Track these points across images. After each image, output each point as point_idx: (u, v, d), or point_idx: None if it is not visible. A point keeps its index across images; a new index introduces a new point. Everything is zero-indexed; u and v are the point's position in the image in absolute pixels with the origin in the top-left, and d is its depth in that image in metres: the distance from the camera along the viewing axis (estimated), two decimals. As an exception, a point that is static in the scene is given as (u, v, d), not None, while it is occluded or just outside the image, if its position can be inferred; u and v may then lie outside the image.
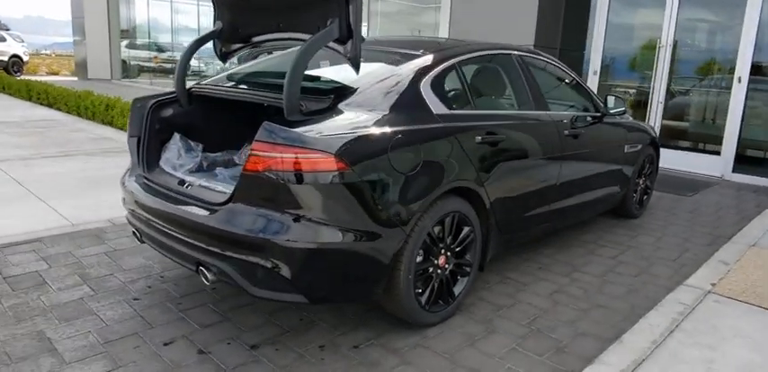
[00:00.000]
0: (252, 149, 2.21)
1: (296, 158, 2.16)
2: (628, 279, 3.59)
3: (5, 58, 19.87)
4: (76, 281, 3.14)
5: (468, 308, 3.02)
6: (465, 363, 2.50)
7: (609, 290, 3.39)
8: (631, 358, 2.63)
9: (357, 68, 2.51)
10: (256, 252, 2.25)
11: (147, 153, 2.91)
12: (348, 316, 2.86)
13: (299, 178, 2.18)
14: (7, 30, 21.65)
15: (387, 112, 2.52)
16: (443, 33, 8.13)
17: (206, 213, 2.37)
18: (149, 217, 2.69)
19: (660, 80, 7.01)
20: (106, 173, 5.62)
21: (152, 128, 2.93)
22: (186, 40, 17.32)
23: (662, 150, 5.13)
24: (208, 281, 2.42)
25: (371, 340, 2.66)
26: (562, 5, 7.54)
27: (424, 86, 2.70)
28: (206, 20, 15.70)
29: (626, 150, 4.33)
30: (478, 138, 2.85)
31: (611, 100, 4.07)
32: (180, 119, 3.03)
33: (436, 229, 2.66)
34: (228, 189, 2.52)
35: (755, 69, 6.45)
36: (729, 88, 6.57)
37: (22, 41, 21.63)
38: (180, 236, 2.50)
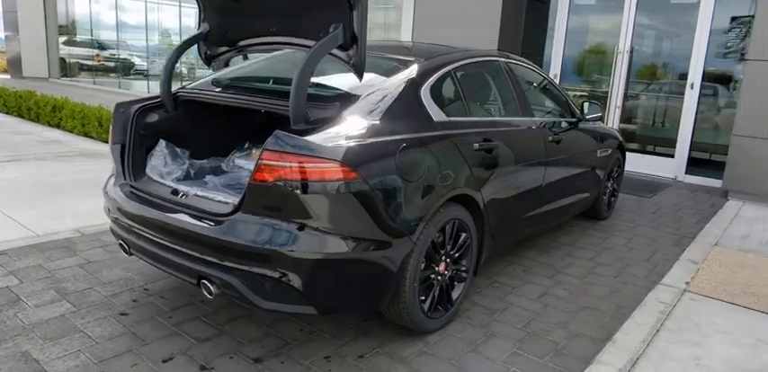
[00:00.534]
0: (262, 158, 2.14)
1: (309, 168, 2.11)
2: (608, 279, 3.70)
3: None
4: (54, 297, 2.97)
5: (465, 313, 3.04)
6: (471, 369, 2.52)
7: (593, 291, 3.49)
8: (626, 357, 2.72)
9: (361, 75, 2.48)
10: (266, 264, 2.19)
11: (133, 160, 2.78)
12: (347, 326, 2.82)
13: (312, 188, 2.13)
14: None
15: (391, 120, 2.50)
16: (406, 37, 8.16)
17: (210, 224, 2.28)
18: (141, 227, 2.57)
19: (618, 85, 7.29)
20: (63, 179, 5.34)
21: (137, 135, 2.80)
22: (132, 38, 16.70)
23: (620, 153, 5.32)
24: (211, 295, 2.34)
25: (376, 349, 2.63)
26: (523, 11, 7.72)
27: (425, 93, 2.70)
28: (154, 16, 15.19)
29: (599, 154, 4.48)
30: (476, 145, 2.87)
31: (587, 106, 4.19)
32: (165, 124, 2.91)
33: (437, 236, 2.66)
34: (229, 198, 2.44)
35: (707, 76, 6.80)
36: (683, 93, 6.89)
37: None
38: (178, 248, 2.39)
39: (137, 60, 17.27)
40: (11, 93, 9.78)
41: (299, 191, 2.13)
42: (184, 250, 2.37)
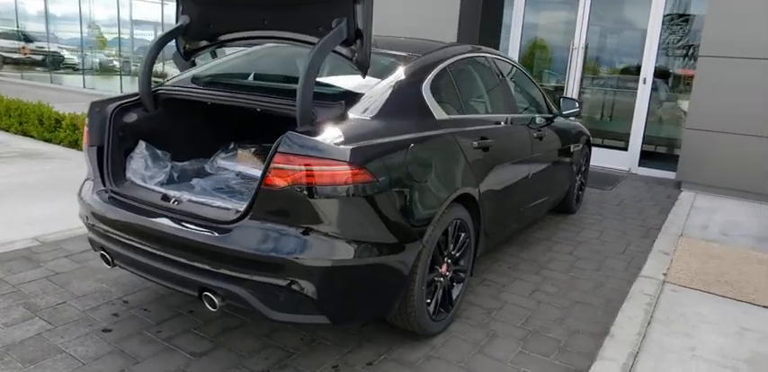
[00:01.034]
0: (275, 162, 2.01)
1: (326, 171, 1.99)
2: (591, 273, 3.76)
3: None
4: (24, 314, 2.71)
5: (463, 313, 3.00)
6: (481, 370, 2.47)
7: (580, 286, 3.53)
8: (627, 351, 2.76)
9: (365, 72, 2.38)
10: (279, 273, 2.06)
11: (113, 164, 2.57)
12: (349, 332, 2.72)
13: (328, 192, 2.02)
14: None
15: (397, 119, 2.41)
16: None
17: (215, 232, 2.12)
18: (128, 237, 2.37)
19: (573, 80, 7.45)
20: (8, 183, 4.94)
21: (115, 136, 2.58)
22: (62, 30, 15.74)
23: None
24: (214, 308, 2.18)
25: (383, 355, 2.55)
26: (480, 6, 7.75)
27: (425, 91, 2.63)
28: (87, 7, 14.35)
29: (572, 149, 4.54)
30: (475, 143, 2.82)
31: (564, 102, 4.23)
32: (144, 125, 2.70)
33: (441, 237, 2.60)
34: (229, 204, 2.28)
35: (658, 71, 7.05)
36: (635, 88, 7.12)
37: None
38: (175, 259, 2.22)
39: (66, 53, 16.34)
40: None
41: (314, 196, 2.01)
42: (183, 260, 2.20)
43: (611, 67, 7.66)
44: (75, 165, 5.71)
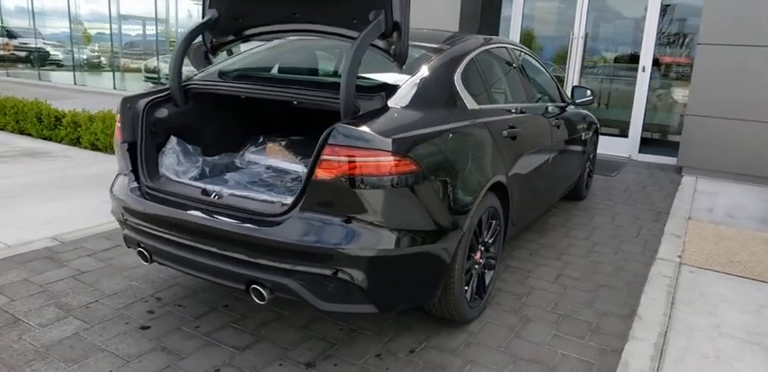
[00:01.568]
0: (325, 154, 2.01)
1: (375, 162, 2.00)
2: (610, 257, 3.81)
3: None
4: (58, 313, 2.69)
5: (494, 300, 3.04)
6: (522, 355, 2.51)
7: (601, 269, 3.58)
8: (656, 330, 2.81)
9: (402, 64, 2.38)
10: (330, 264, 2.06)
11: (146, 159, 2.55)
12: (386, 322, 2.74)
13: (378, 182, 2.02)
14: None
15: (434, 110, 2.42)
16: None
17: (263, 225, 2.12)
18: (169, 232, 2.36)
19: (573, 69, 7.49)
20: (14, 183, 4.87)
21: (148, 132, 2.56)
22: (47, 26, 15.45)
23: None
24: (263, 300, 2.18)
25: (423, 342, 2.58)
26: (479, -3, 7.77)
27: (458, 81, 2.64)
28: (73, 2, 14.08)
29: (583, 137, 4.58)
30: (504, 133, 2.84)
31: (577, 91, 4.26)
32: (175, 120, 2.68)
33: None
34: (273, 197, 2.28)
35: (657, 60, 7.12)
36: (635, 77, 7.19)
37: None
38: (221, 253, 2.22)
39: (51, 49, 16.07)
40: None
41: (364, 187, 2.01)
42: (229, 254, 2.19)
43: (611, 56, 7.72)
44: (78, 163, 5.65)
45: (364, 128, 2.05)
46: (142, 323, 2.63)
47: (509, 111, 3.08)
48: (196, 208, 2.31)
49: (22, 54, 15.78)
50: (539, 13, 7.99)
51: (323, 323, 2.69)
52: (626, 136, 7.35)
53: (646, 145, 7.38)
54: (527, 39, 8.04)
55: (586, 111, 4.90)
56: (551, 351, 2.56)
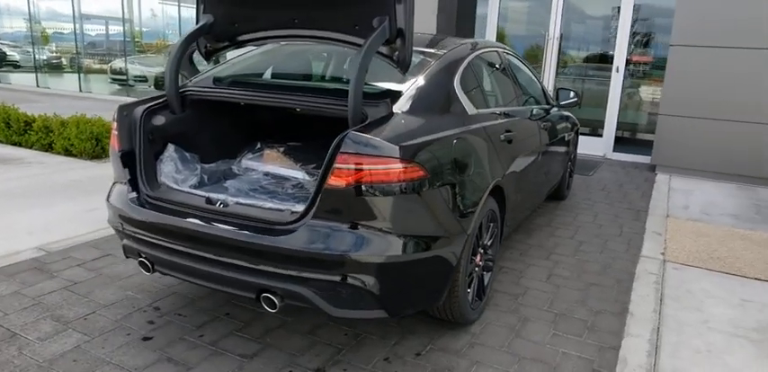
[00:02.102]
0: (338, 162, 2.02)
1: (386, 169, 2.02)
2: (597, 256, 3.92)
3: None
4: (56, 327, 2.63)
5: (491, 301, 3.09)
6: (525, 354, 2.57)
7: (589, 268, 3.68)
8: (648, 327, 2.91)
9: (406, 71, 2.41)
10: (344, 271, 2.08)
11: (145, 168, 2.52)
12: (389, 325, 2.77)
13: (389, 190, 2.05)
14: None
15: (438, 115, 2.46)
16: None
17: (276, 234, 2.12)
18: (173, 242, 2.33)
19: (549, 69, 7.65)
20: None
21: (145, 140, 2.53)
22: (1, 26, 14.95)
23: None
24: (274, 309, 2.19)
25: (428, 345, 2.61)
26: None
27: (457, 86, 2.67)
28: (32, 0, 13.68)
29: (566, 138, 4.69)
30: (501, 137, 2.90)
31: (561, 92, 4.35)
32: (172, 127, 2.65)
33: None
34: (281, 205, 2.28)
35: (629, 60, 7.31)
36: (609, 77, 7.37)
37: None
38: (230, 262, 2.21)
39: (7, 50, 15.56)
40: None
41: (377, 194, 2.04)
42: (240, 263, 2.19)
43: (585, 56, 7.90)
44: (54, 170, 5.51)
45: (376, 136, 2.07)
46: (144, 334, 2.60)
47: (504, 115, 3.13)
48: (202, 217, 2.29)
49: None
50: (512, 14, 8.12)
51: (328, 329, 2.70)
52: (600, 135, 7.53)
53: (619, 143, 7.58)
54: (500, 38, 8.16)
55: (568, 112, 5.02)
56: (552, 350, 2.62)
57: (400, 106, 2.35)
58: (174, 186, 2.53)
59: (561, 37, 7.56)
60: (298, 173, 2.83)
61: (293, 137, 3.14)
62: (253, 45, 2.85)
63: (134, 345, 2.51)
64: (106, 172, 5.56)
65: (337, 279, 2.09)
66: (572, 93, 4.48)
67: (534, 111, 3.83)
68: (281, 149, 2.96)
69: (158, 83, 12.70)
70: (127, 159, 2.52)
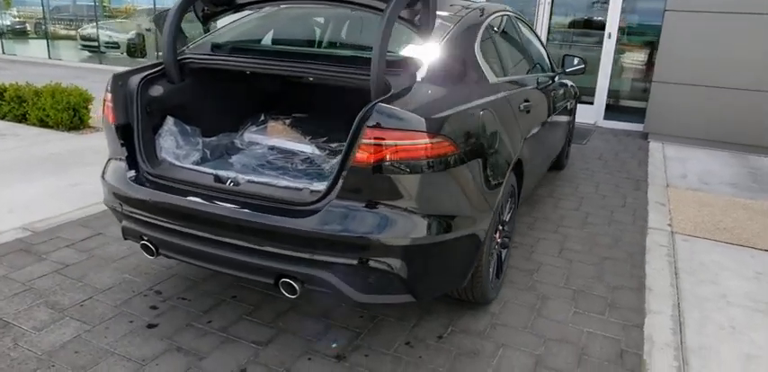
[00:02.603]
0: (365, 137, 1.84)
1: (417, 145, 1.86)
2: (605, 228, 3.84)
3: None
4: (52, 315, 2.45)
5: (506, 278, 2.99)
6: (550, 335, 2.49)
7: (600, 242, 3.60)
8: (669, 303, 2.85)
9: (428, 35, 2.20)
10: (370, 255, 1.93)
11: (144, 143, 2.30)
12: (406, 306, 2.65)
13: (421, 166, 1.88)
14: None
15: (462, 85, 2.28)
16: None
17: (296, 215, 1.95)
18: (180, 224, 2.15)
19: (540, 34, 7.41)
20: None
21: (143, 112, 2.31)
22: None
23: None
24: (294, 294, 2.04)
25: (449, 327, 2.51)
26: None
27: (478, 53, 2.48)
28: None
29: (568, 106, 4.54)
30: (521, 107, 2.73)
31: (568, 59, 4.18)
32: (171, 98, 2.43)
33: None
34: (296, 183, 2.10)
35: (622, 26, 7.13)
36: (600, 43, 7.19)
37: None
38: (247, 245, 2.04)
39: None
40: None
41: (407, 171, 1.87)
42: (256, 246, 2.02)
43: (577, 22, 7.69)
44: (31, 142, 5.20)
45: (405, 109, 1.89)
46: (148, 321, 2.44)
47: (520, 84, 2.96)
48: (211, 197, 2.10)
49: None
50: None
51: (342, 311, 2.58)
52: (591, 103, 7.41)
53: (609, 111, 7.48)
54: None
55: (569, 80, 4.85)
56: (576, 330, 2.54)
57: (423, 75, 2.16)
58: (177, 162, 2.33)
59: (553, 1, 7.32)
60: (306, 147, 2.64)
61: (298, 107, 2.93)
62: (253, 8, 2.60)
63: (139, 333, 2.35)
64: (87, 144, 5.30)
65: (364, 262, 1.94)
66: (577, 60, 4.30)
67: (542, 79, 3.66)
68: (287, 121, 2.76)
69: (131, 49, 12.14)
70: (124, 133, 2.30)
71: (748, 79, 6.09)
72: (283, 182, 2.09)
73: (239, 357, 2.22)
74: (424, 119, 1.88)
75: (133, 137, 2.29)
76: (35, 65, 11.81)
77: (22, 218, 3.44)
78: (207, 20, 2.58)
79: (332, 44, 2.81)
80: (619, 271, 3.18)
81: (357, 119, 1.88)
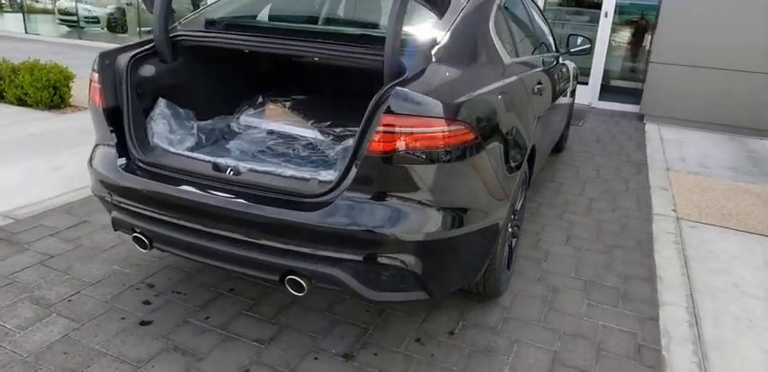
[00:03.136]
0: (383, 123, 1.68)
1: (441, 133, 1.70)
2: (610, 214, 3.74)
3: None
4: (37, 311, 2.29)
5: (514, 267, 2.88)
6: (564, 329, 2.39)
7: (607, 229, 3.50)
8: (682, 293, 2.77)
9: (443, 12, 2.03)
10: (386, 251, 1.79)
11: (135, 128, 2.12)
12: (415, 301, 2.51)
13: (439, 155, 1.74)
14: None
15: (478, 66, 2.12)
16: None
17: (305, 208, 1.79)
18: (178, 216, 1.99)
19: (538, 13, 7.22)
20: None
21: (133, 94, 2.12)
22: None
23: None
24: (301, 292, 1.90)
25: (459, 321, 2.40)
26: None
27: (493, 32, 2.31)
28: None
29: (570, 88, 4.40)
30: (535, 89, 2.58)
31: (572, 38, 4.01)
32: (163, 78, 2.24)
33: None
34: (302, 172, 1.94)
35: (619, 4, 6.96)
36: (596, 22, 7.02)
37: None
38: (249, 240, 1.89)
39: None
40: None
41: (426, 161, 1.72)
42: (261, 241, 1.87)
43: (572, 0, 7.49)
44: (9, 122, 4.95)
45: (423, 93, 1.73)
46: (141, 318, 2.29)
47: (532, 65, 2.80)
48: (209, 187, 1.94)
49: None
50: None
51: (346, 305, 2.45)
52: (586, 83, 7.27)
53: (603, 92, 7.35)
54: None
55: (570, 60, 4.70)
56: (591, 323, 2.45)
57: (440, 55, 1.99)
58: (170, 149, 2.15)
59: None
60: (308, 132, 2.47)
61: (298, 88, 2.74)
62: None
63: (132, 332, 2.20)
64: (69, 124, 5.05)
65: (377, 259, 1.80)
66: (581, 40, 4.14)
67: (549, 60, 3.50)
68: (287, 103, 2.58)
69: (111, 24, 11.69)
70: (112, 117, 2.11)
71: (747, 61, 5.99)
72: (288, 172, 1.93)
73: (241, 357, 2.09)
74: (446, 105, 1.73)
75: (123, 121, 2.11)
76: (10, 39, 11.32)
77: (1, 205, 3.24)
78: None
79: (338, 20, 2.62)
80: (628, 260, 3.09)
81: (371, 103, 1.72)
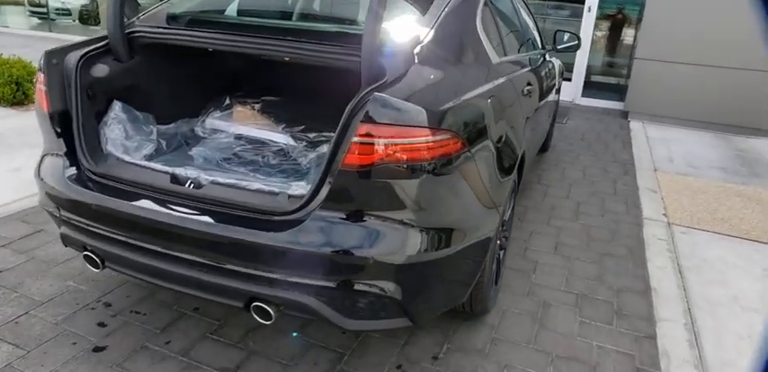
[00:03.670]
0: (359, 134, 1.48)
1: (421, 143, 1.51)
2: (599, 219, 3.60)
3: None
4: (-23, 336, 2.07)
5: (502, 281, 2.71)
6: (557, 351, 2.23)
7: (596, 235, 3.36)
8: (679, 308, 2.63)
9: (427, 8, 1.84)
10: (364, 276, 1.60)
11: (85, 134, 1.89)
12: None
13: (424, 169, 1.54)
14: None
15: (465, 68, 1.93)
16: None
17: (272, 228, 1.59)
18: (131, 234, 1.77)
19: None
20: None
21: (83, 97, 1.89)
22: None
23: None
24: (269, 320, 1.71)
25: (443, 344, 2.22)
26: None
27: (480, 29, 2.12)
28: None
29: (557, 85, 4.24)
30: (524, 90, 2.40)
31: (559, 35, 3.83)
32: (118, 79, 2.01)
33: None
34: (271, 185, 1.74)
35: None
36: (577, 16, 6.87)
37: None
38: (211, 263, 1.68)
39: None
40: None
41: (410, 175, 1.53)
42: (222, 265, 1.67)
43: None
44: (-37, 120, 4.63)
45: (407, 99, 1.53)
46: (95, 343, 2.07)
47: (521, 64, 2.62)
48: (166, 202, 1.73)
49: None
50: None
51: (320, 326, 2.25)
52: (569, 79, 7.12)
53: (586, 88, 7.23)
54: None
55: (555, 57, 4.53)
56: (585, 344, 2.29)
57: (423, 55, 1.79)
58: (125, 157, 1.93)
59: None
60: (279, 137, 2.27)
61: (268, 89, 2.53)
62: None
63: (83, 360, 1.98)
64: (32, 121, 4.68)
65: (353, 284, 1.61)
66: (568, 36, 3.96)
67: (536, 58, 3.32)
68: (256, 106, 2.37)
69: (84, 17, 11.27)
70: (60, 123, 1.89)
71: (733, 57, 5.88)
72: (255, 184, 1.72)
73: (204, 388, 1.89)
74: (430, 112, 1.54)
75: (72, 127, 1.88)
76: (-25, 30, 10.88)
77: (-54, 212, 2.98)
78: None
79: (314, 16, 2.40)
80: (620, 270, 2.94)
81: (347, 110, 1.52)
